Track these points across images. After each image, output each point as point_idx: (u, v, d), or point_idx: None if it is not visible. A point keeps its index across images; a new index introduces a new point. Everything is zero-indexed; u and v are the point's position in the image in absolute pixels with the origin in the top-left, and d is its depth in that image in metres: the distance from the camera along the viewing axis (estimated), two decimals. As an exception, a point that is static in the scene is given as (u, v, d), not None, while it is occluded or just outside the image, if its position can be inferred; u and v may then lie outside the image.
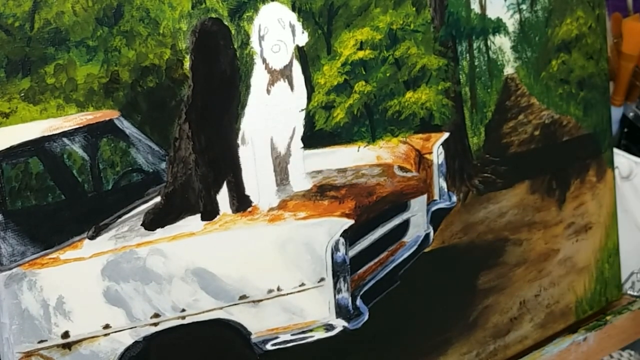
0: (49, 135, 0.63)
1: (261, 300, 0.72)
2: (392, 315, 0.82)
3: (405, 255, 0.84)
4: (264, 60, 0.72)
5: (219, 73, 0.70)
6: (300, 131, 0.75)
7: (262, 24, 0.72)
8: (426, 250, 0.86)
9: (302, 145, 0.75)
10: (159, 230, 0.68)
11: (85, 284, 0.65)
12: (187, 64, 0.68)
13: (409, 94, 0.83)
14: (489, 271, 0.93)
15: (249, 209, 0.72)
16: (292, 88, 0.74)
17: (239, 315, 0.71)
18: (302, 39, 0.74)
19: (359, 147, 0.80)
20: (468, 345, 0.91)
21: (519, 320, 0.97)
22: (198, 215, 0.70)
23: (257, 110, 0.72)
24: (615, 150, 1.08)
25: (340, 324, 0.76)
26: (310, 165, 0.76)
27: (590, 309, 1.05)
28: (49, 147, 0.63)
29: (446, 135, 0.87)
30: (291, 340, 0.74)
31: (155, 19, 0.67)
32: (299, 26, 0.74)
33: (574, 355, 1.00)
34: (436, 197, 0.87)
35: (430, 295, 0.87)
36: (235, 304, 0.71)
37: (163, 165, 0.68)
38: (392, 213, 0.82)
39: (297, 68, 0.75)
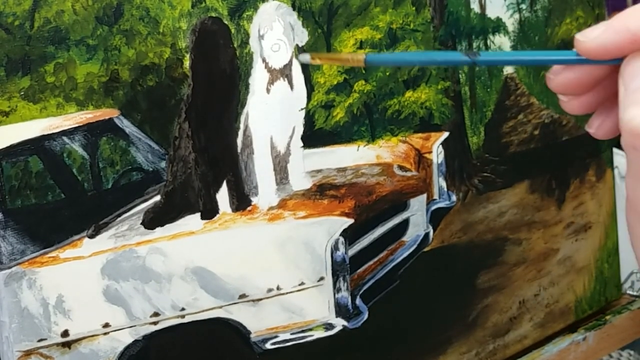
0: (48, 134, 0.63)
1: (261, 299, 0.72)
2: (391, 314, 0.82)
3: (405, 255, 0.84)
4: (264, 60, 0.72)
5: (219, 72, 0.70)
6: (300, 130, 0.75)
7: (262, 23, 0.72)
8: (425, 249, 0.86)
9: (301, 144, 0.75)
10: (158, 229, 0.68)
11: (84, 282, 0.65)
12: (186, 63, 0.68)
13: (408, 94, 0.83)
14: (488, 270, 0.93)
15: (249, 208, 0.72)
16: (291, 87, 0.74)
17: (239, 314, 0.71)
18: (302, 38, 0.74)
19: (358, 147, 0.80)
20: (467, 344, 0.91)
21: (519, 319, 0.96)
22: (198, 214, 0.70)
23: (256, 109, 0.72)
24: (615, 150, 1.08)
25: (339, 323, 0.76)
26: (309, 165, 0.76)
27: (590, 308, 1.05)
28: (48, 145, 0.63)
29: (446, 134, 0.86)
30: (290, 339, 0.74)
31: (155, 18, 0.66)
32: (298, 25, 0.74)
33: (574, 355, 1.00)
34: (436, 196, 0.86)
35: (429, 295, 0.87)
36: (235, 303, 0.71)
37: (163, 164, 0.68)
38: (391, 212, 0.82)
39: (296, 67, 0.74)
